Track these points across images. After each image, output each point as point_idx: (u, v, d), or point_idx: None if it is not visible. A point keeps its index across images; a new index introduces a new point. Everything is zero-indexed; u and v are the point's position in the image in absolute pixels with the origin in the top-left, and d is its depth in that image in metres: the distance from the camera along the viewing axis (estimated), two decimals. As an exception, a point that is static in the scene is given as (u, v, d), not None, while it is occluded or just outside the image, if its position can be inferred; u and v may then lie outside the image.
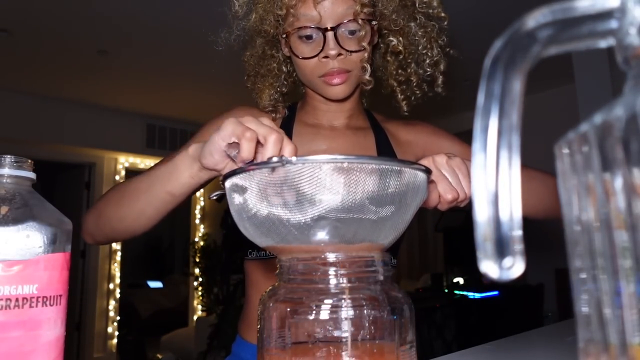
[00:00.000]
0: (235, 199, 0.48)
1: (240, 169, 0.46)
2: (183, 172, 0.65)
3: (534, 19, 0.23)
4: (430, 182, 0.53)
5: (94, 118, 4.56)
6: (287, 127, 0.94)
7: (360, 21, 0.79)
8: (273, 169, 0.44)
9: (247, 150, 0.54)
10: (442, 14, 0.86)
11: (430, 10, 0.86)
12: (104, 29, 3.03)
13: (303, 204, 0.43)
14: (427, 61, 0.89)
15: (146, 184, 0.70)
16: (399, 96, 0.94)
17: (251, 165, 0.46)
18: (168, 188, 0.67)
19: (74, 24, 2.95)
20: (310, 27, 0.79)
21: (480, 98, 0.23)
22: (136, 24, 2.97)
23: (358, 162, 0.43)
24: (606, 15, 0.22)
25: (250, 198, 0.46)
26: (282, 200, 0.44)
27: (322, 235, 0.44)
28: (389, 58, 0.94)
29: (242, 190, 0.47)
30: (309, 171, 0.43)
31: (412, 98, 0.94)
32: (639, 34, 0.22)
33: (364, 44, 0.81)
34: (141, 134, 4.89)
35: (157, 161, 0.85)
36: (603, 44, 0.23)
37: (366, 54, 0.82)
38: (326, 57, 0.80)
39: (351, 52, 0.81)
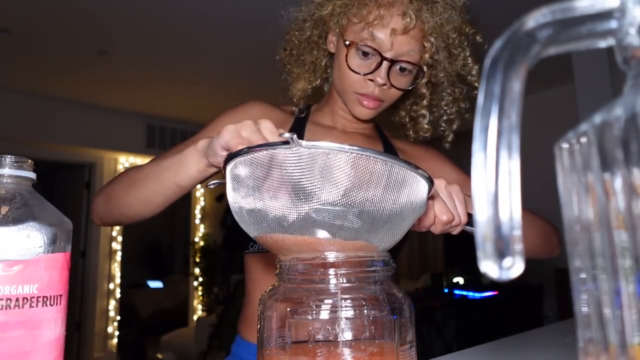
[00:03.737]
0: (235, 183, 0.48)
1: (246, 150, 0.46)
2: (191, 167, 0.68)
3: (534, 19, 0.23)
4: (428, 198, 0.53)
5: (94, 118, 4.56)
6: (299, 126, 0.95)
7: (413, 65, 0.84)
8: (281, 144, 0.43)
9: None
10: (476, 84, 0.90)
11: (469, 77, 0.90)
12: (104, 29, 3.03)
13: (302, 190, 0.43)
14: (444, 117, 0.94)
15: (155, 174, 0.73)
16: (408, 131, 1.00)
17: (257, 146, 0.45)
18: (176, 180, 0.70)
19: (74, 24, 2.95)
20: (373, 49, 0.81)
21: (480, 98, 0.23)
22: (136, 24, 2.97)
23: (366, 154, 0.42)
24: (606, 15, 0.22)
25: (250, 182, 0.46)
26: (282, 186, 0.44)
27: (315, 226, 0.44)
28: (410, 98, 0.98)
29: (242, 173, 0.46)
30: (317, 157, 0.42)
31: (419, 134, 0.99)
32: (638, 34, 0.22)
33: (407, 86, 0.87)
34: (141, 134, 4.89)
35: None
36: (603, 44, 0.23)
37: (402, 92, 0.87)
38: (371, 80, 0.83)
39: (394, 87, 0.84)
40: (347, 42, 0.82)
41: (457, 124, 0.94)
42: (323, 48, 0.93)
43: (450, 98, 0.93)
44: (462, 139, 0.98)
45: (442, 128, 0.95)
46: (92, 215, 0.85)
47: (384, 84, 0.83)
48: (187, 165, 0.68)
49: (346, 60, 0.83)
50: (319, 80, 0.96)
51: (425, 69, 0.87)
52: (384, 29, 0.79)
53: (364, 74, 0.83)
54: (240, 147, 0.56)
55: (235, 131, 0.58)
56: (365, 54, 0.82)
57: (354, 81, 0.84)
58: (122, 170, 5.38)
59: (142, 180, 0.75)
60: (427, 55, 0.84)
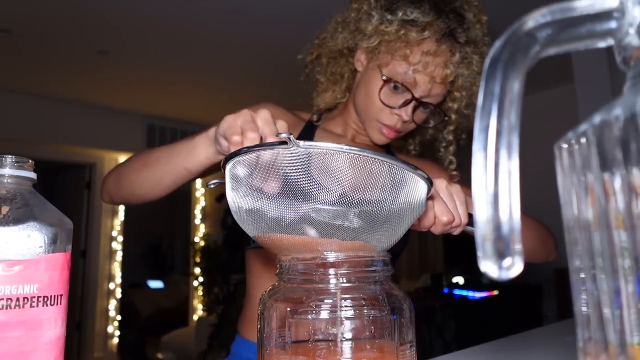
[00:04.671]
0: (234, 182, 0.48)
1: (245, 150, 0.46)
2: (201, 153, 0.71)
3: (533, 19, 0.23)
4: (428, 199, 0.53)
5: (95, 118, 4.56)
6: (309, 131, 0.97)
7: (437, 107, 0.89)
8: (279, 143, 0.43)
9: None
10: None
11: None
12: (104, 29, 3.03)
13: (300, 190, 0.43)
14: (443, 144, 0.97)
15: (166, 157, 0.76)
16: (410, 145, 1.05)
17: (256, 146, 0.45)
18: (185, 164, 0.73)
19: (74, 24, 2.95)
20: (407, 88, 0.84)
21: (480, 98, 0.23)
22: (136, 24, 2.97)
23: (363, 154, 0.42)
24: (605, 15, 0.22)
25: (249, 182, 0.46)
26: (280, 186, 0.44)
27: (314, 226, 0.44)
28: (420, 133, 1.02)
29: (241, 172, 0.46)
30: (315, 157, 0.42)
31: (414, 149, 1.05)
32: (638, 34, 0.22)
33: (426, 122, 0.93)
34: (141, 134, 4.89)
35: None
36: (602, 44, 0.23)
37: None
38: (397, 114, 0.86)
39: (414, 122, 0.89)
40: (385, 77, 0.84)
41: (454, 148, 0.97)
42: (350, 61, 0.94)
43: (452, 128, 0.96)
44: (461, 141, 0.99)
45: (440, 154, 0.98)
46: (101, 193, 0.88)
47: (407, 121, 0.87)
48: (198, 151, 0.71)
49: (380, 93, 0.85)
50: (346, 96, 0.98)
51: (453, 117, 0.91)
52: (425, 76, 0.83)
53: (391, 107, 0.86)
54: (234, 136, 0.59)
55: (232, 120, 0.61)
56: (396, 87, 0.85)
57: (379, 110, 0.87)
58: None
59: (153, 162, 0.78)
60: (455, 105, 0.89)
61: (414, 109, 0.86)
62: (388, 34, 0.82)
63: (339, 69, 0.95)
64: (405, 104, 0.85)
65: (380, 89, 0.85)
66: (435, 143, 0.99)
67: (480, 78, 0.94)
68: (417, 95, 0.84)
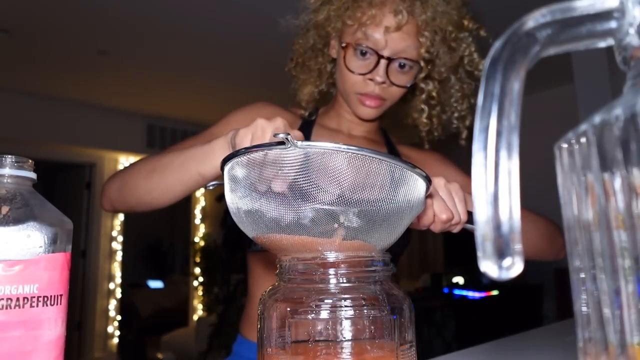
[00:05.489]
0: (232, 184, 0.48)
1: (243, 151, 0.45)
2: (218, 157, 0.68)
3: (533, 19, 0.23)
4: (427, 197, 0.53)
5: (95, 118, 4.56)
6: (306, 128, 0.96)
7: (412, 61, 0.84)
8: (277, 144, 0.43)
9: None
10: None
11: (476, 72, 0.90)
12: (104, 29, 3.03)
13: (299, 191, 0.43)
14: (455, 114, 0.94)
15: (179, 162, 0.72)
16: (422, 132, 0.99)
17: (254, 146, 0.45)
18: (200, 169, 0.70)
19: (74, 24, 2.95)
20: (370, 48, 0.82)
21: (480, 98, 0.23)
22: (136, 24, 2.97)
23: (362, 153, 0.42)
24: (605, 15, 0.22)
25: (247, 183, 0.46)
26: (279, 185, 0.44)
27: (313, 226, 0.44)
28: (420, 96, 0.97)
29: (239, 174, 0.46)
30: (313, 157, 0.42)
31: (433, 135, 0.99)
32: (638, 34, 0.22)
33: (408, 83, 0.86)
34: (141, 134, 4.89)
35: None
36: (602, 44, 0.24)
37: (404, 90, 0.87)
38: (371, 79, 0.84)
39: (394, 84, 0.85)
40: (344, 44, 0.84)
41: (470, 120, 0.94)
42: (327, 54, 0.94)
43: (459, 94, 0.93)
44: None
45: (455, 125, 0.95)
46: (102, 200, 0.84)
47: (382, 82, 0.83)
48: (215, 156, 0.68)
49: (345, 62, 0.84)
50: (324, 85, 0.98)
51: (422, 64, 0.87)
52: (377, 28, 0.81)
53: (362, 74, 0.84)
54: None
55: (248, 133, 0.61)
56: (363, 54, 0.83)
57: (354, 82, 0.85)
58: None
59: (164, 167, 0.75)
60: (422, 50, 0.84)
61: (387, 69, 0.83)
62: (332, 1, 0.83)
63: (315, 65, 0.96)
64: (375, 65, 0.82)
65: (345, 58, 0.84)
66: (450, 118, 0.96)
67: (444, 15, 0.91)
68: (384, 54, 0.82)
